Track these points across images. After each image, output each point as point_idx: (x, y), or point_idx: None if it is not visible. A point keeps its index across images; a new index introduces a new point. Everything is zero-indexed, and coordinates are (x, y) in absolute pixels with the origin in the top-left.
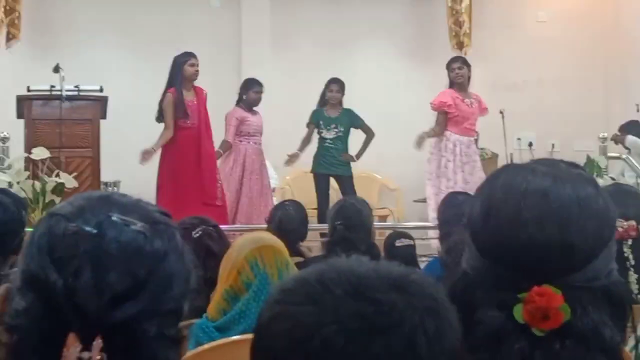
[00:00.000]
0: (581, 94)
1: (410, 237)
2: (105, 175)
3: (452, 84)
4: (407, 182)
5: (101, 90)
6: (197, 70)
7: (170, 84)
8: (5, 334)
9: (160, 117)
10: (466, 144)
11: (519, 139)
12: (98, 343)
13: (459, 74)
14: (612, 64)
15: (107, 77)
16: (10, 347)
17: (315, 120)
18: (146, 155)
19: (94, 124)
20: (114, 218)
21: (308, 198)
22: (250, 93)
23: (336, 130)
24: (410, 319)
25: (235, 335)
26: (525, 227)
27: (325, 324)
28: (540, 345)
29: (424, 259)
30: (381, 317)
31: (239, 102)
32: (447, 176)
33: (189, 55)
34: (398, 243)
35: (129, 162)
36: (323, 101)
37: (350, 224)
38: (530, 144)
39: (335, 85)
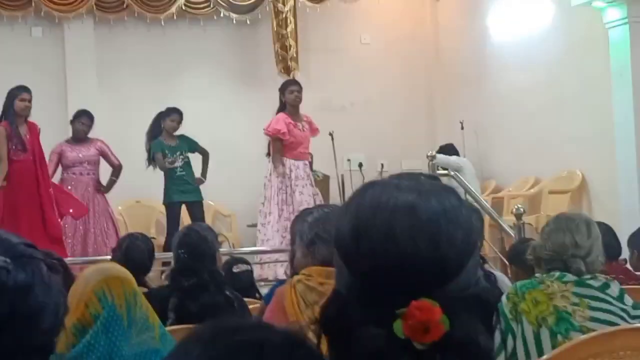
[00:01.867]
0: (407, 114)
1: (247, 263)
2: None
3: (284, 107)
4: (240, 207)
5: None
6: (28, 106)
7: (4, 117)
8: None
9: None
10: (302, 167)
11: (349, 160)
12: None
13: (297, 96)
14: (435, 84)
15: None
16: None
17: (161, 150)
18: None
19: None
20: None
21: (142, 227)
22: (74, 124)
23: (182, 157)
24: None
25: None
26: (397, 244)
27: None
28: (422, 359)
29: (262, 283)
30: None
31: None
32: (284, 200)
33: (21, 90)
34: (236, 269)
35: None
36: (156, 131)
37: (194, 252)
38: (360, 165)
39: (177, 115)
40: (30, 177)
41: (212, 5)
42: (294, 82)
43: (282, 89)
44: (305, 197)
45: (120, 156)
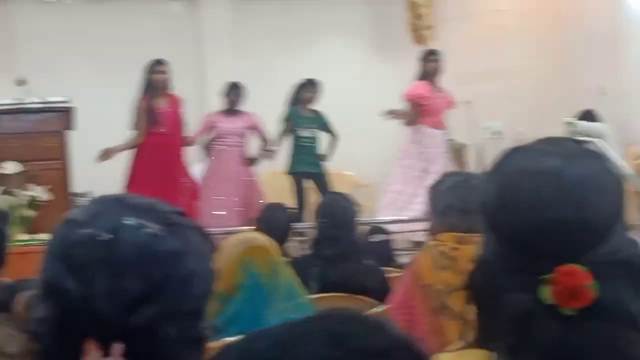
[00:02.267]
0: (544, 80)
1: (386, 232)
2: (76, 187)
3: (424, 76)
4: (379, 177)
5: (67, 101)
6: (165, 77)
7: (142, 91)
8: (31, 342)
9: (133, 124)
10: (439, 136)
11: (486, 128)
12: (118, 348)
13: (438, 66)
14: (571, 49)
15: (73, 89)
16: (35, 355)
17: (293, 119)
18: (106, 154)
19: (62, 136)
20: (128, 222)
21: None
22: (225, 97)
23: (311, 129)
24: None
25: (229, 337)
26: (544, 208)
27: None
28: (571, 325)
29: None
30: None
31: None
32: (419, 168)
33: (156, 63)
34: (373, 239)
35: (99, 173)
36: (296, 100)
37: (335, 221)
38: (498, 133)
39: (316, 87)
40: (165, 149)
41: None
42: (434, 52)
43: (423, 58)
44: (441, 166)
45: None
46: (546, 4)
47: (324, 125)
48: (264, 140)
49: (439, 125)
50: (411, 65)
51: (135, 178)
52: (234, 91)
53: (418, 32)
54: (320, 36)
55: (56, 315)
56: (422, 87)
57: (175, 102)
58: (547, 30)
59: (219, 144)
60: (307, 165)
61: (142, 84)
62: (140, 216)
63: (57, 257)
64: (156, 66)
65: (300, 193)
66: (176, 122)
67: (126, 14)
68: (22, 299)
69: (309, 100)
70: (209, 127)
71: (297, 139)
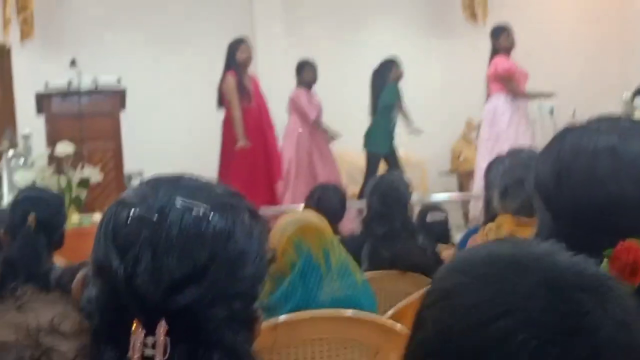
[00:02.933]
0: (598, 58)
1: (442, 210)
2: (129, 166)
3: (502, 51)
4: (431, 155)
5: (119, 82)
6: (250, 57)
7: (228, 67)
8: (85, 321)
9: (220, 102)
10: (523, 108)
11: (538, 107)
12: (162, 328)
13: (512, 40)
14: (627, 25)
15: (124, 68)
16: (88, 334)
17: (399, 97)
18: (242, 148)
19: (114, 116)
20: (177, 202)
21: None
22: (303, 74)
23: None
24: (605, 329)
25: (282, 315)
26: (600, 185)
27: (511, 311)
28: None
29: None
30: (574, 318)
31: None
32: (512, 137)
33: (240, 42)
34: (430, 218)
35: (151, 152)
36: (381, 82)
37: (387, 200)
38: (551, 111)
39: (398, 63)
40: (256, 125)
41: None
42: (507, 27)
43: (494, 35)
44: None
45: None
46: None
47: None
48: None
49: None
50: (464, 43)
51: (234, 152)
52: (311, 68)
53: (472, 9)
54: (372, 16)
55: (105, 294)
56: (507, 61)
57: (255, 81)
58: (602, 5)
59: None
60: (388, 146)
61: (227, 61)
62: (191, 197)
63: (106, 237)
64: (241, 45)
65: (374, 171)
66: (262, 100)
67: None
68: (76, 278)
69: (399, 79)
70: (311, 104)
71: (391, 118)
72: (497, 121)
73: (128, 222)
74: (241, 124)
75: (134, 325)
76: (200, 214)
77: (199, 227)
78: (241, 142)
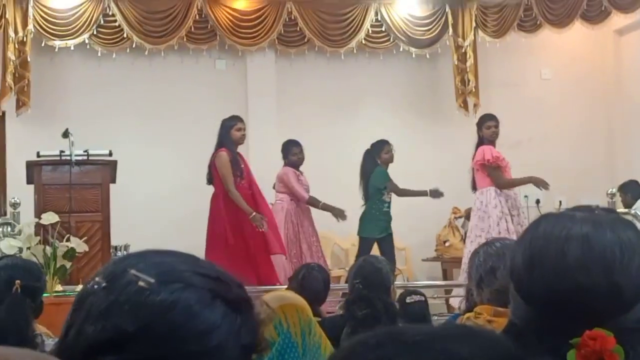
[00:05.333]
0: (586, 151)
1: (421, 294)
2: (116, 239)
3: (482, 142)
4: (415, 241)
5: (110, 154)
6: (244, 135)
7: (221, 144)
8: None
9: (211, 179)
10: (513, 197)
11: (525, 196)
12: None
13: (495, 132)
14: (616, 120)
15: (116, 141)
16: None
17: (389, 179)
18: (260, 223)
19: (104, 188)
20: (129, 273)
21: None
22: (290, 156)
23: (390, 194)
24: None
25: None
26: (570, 273)
27: None
28: None
29: (436, 317)
30: None
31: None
32: (503, 231)
33: (235, 120)
34: (409, 299)
35: (140, 224)
36: (371, 165)
37: (369, 282)
38: (538, 202)
39: (390, 146)
40: (250, 203)
41: (391, 40)
42: (491, 117)
43: (480, 124)
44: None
45: None
46: (592, 74)
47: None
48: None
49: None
50: (453, 129)
51: (230, 229)
52: (299, 149)
53: (464, 96)
54: (365, 98)
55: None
56: (494, 150)
57: (243, 159)
58: (591, 100)
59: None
60: (382, 231)
61: (221, 138)
62: (150, 270)
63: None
64: (234, 123)
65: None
66: (251, 176)
67: (172, 70)
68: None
69: (390, 162)
70: (300, 183)
71: (381, 203)
72: (488, 216)
73: (83, 290)
74: (242, 201)
75: None
76: (145, 285)
77: (139, 298)
78: (255, 217)
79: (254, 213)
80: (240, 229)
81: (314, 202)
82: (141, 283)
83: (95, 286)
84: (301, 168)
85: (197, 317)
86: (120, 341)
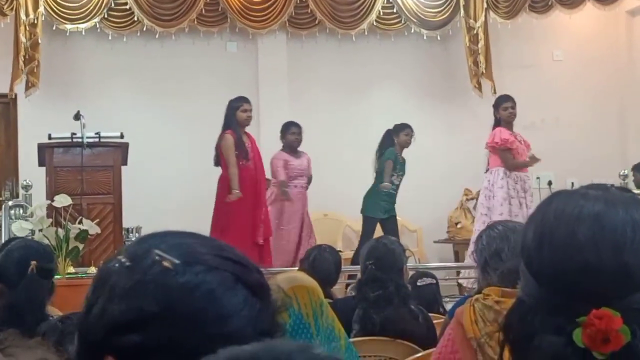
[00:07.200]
0: (598, 132)
1: (433, 277)
2: (127, 221)
3: (499, 123)
4: (427, 222)
5: (122, 136)
6: (250, 116)
7: (227, 126)
8: None
9: (218, 161)
10: (523, 180)
11: (538, 177)
12: None
13: (512, 113)
14: (628, 101)
15: (128, 123)
16: None
17: (394, 159)
18: (234, 199)
19: (115, 171)
20: (153, 254)
21: (329, 240)
22: (287, 135)
23: (401, 176)
24: None
25: None
26: (580, 251)
27: None
28: None
29: (447, 299)
30: None
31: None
32: (505, 213)
33: (242, 101)
34: (420, 282)
35: (151, 207)
36: (388, 145)
37: (381, 264)
38: (550, 183)
39: (412, 131)
40: (252, 184)
41: (403, 21)
42: (508, 98)
43: (496, 105)
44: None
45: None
46: (604, 55)
47: (404, 175)
48: (310, 181)
49: (523, 169)
50: (467, 111)
51: (224, 211)
52: (297, 130)
53: (477, 78)
54: (377, 80)
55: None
56: (506, 132)
57: (252, 139)
58: (603, 81)
59: (290, 185)
60: (385, 212)
61: (227, 119)
62: (171, 251)
63: (93, 282)
64: (240, 104)
65: (369, 236)
66: (259, 158)
67: (183, 53)
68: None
69: (406, 144)
70: (285, 167)
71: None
72: (493, 195)
73: (105, 269)
74: (237, 180)
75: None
76: (170, 266)
77: (164, 279)
78: (234, 194)
79: (236, 192)
80: (232, 212)
81: (282, 185)
82: (166, 263)
83: (118, 265)
84: (311, 151)
85: (219, 300)
86: (144, 321)
